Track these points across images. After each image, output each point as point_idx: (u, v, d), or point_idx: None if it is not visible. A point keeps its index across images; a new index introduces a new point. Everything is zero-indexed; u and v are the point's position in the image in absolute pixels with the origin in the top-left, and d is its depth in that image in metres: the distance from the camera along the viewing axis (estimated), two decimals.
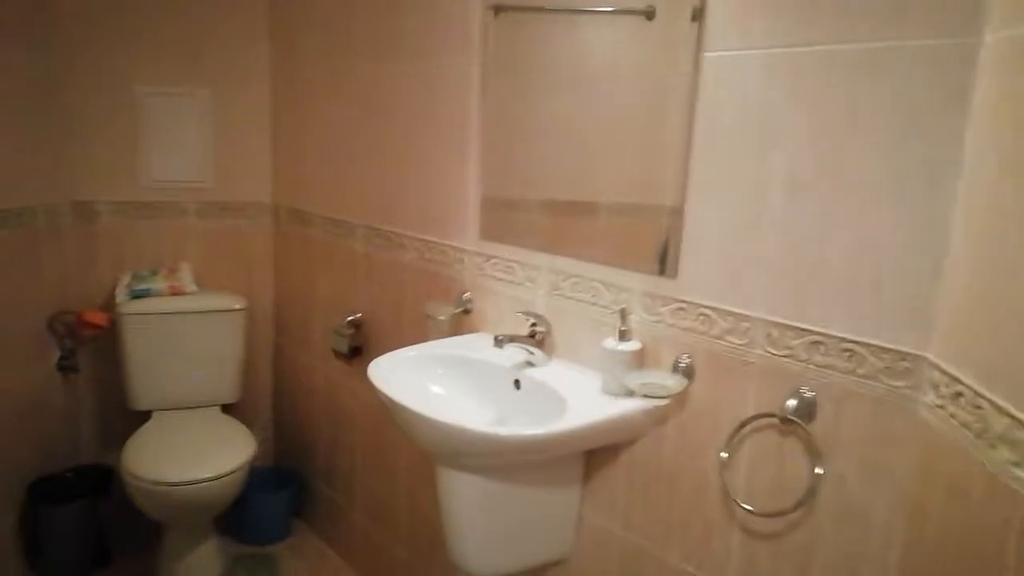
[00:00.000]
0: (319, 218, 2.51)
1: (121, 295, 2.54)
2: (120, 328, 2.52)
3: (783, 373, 1.20)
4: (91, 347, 2.64)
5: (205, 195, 2.72)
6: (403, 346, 1.74)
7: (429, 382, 1.63)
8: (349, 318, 2.32)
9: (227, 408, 2.69)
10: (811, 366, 1.17)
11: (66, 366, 2.56)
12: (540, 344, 1.58)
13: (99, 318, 2.52)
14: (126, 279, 2.59)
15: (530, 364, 1.57)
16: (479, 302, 1.83)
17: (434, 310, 1.84)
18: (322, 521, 2.70)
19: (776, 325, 1.21)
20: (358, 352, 2.30)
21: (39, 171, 2.40)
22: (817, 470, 1.16)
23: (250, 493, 2.53)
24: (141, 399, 2.58)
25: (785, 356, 1.20)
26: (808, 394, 1.17)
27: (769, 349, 1.22)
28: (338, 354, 2.34)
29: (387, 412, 1.47)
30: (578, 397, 1.40)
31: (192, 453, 2.31)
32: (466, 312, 1.85)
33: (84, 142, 2.53)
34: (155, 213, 2.67)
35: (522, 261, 1.69)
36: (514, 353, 1.59)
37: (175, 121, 2.65)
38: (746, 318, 1.25)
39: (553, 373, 1.53)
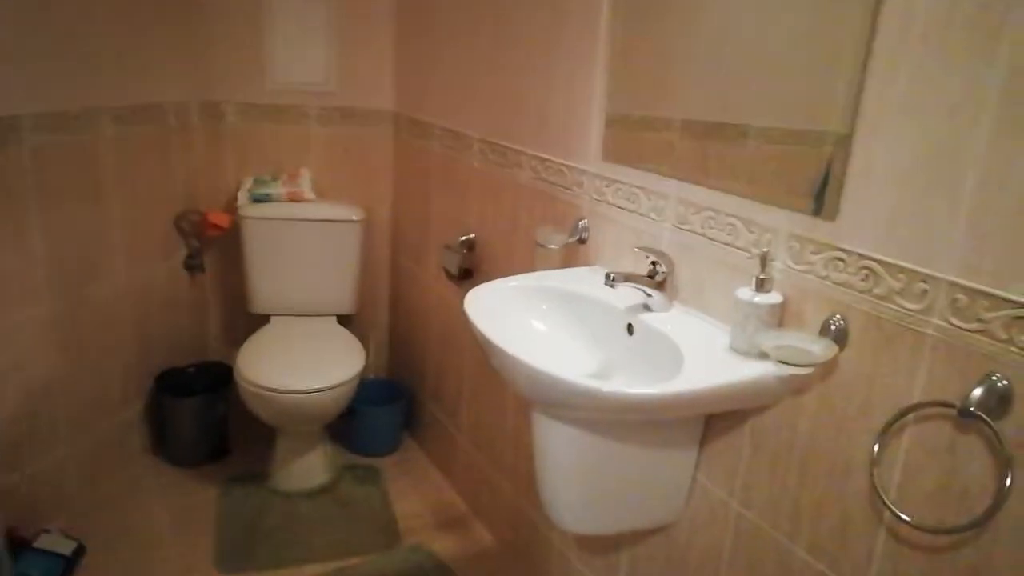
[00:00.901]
0: (437, 129, 2.36)
1: (242, 198, 2.53)
2: (241, 231, 2.52)
3: (969, 353, 0.94)
4: (216, 248, 2.68)
5: (327, 100, 2.63)
6: (514, 272, 1.58)
7: (532, 318, 1.46)
8: (462, 238, 2.19)
9: (343, 319, 2.67)
10: (1011, 348, 0.89)
11: (192, 265, 2.61)
12: (660, 286, 1.36)
13: (222, 219, 2.53)
14: (248, 183, 2.57)
15: (647, 308, 1.37)
16: (596, 232, 1.62)
17: (545, 237, 1.65)
18: (430, 439, 2.67)
19: (966, 290, 0.93)
20: (469, 275, 2.17)
21: (170, 68, 2.39)
22: (1006, 481, 0.90)
23: (361, 405, 2.53)
24: (260, 303, 2.59)
25: (975, 331, 0.93)
26: (1002, 383, 0.90)
27: (953, 320, 0.95)
28: (449, 274, 2.22)
29: (483, 348, 1.32)
30: (699, 352, 1.19)
31: (303, 362, 2.30)
32: (581, 242, 1.65)
33: (214, 40, 2.49)
34: (278, 116, 2.61)
35: (648, 188, 1.46)
36: (629, 294, 1.39)
37: (301, 20, 2.54)
38: (925, 277, 0.98)
39: (672, 321, 1.32)
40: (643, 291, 1.36)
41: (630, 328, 1.36)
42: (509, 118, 1.94)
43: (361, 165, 2.72)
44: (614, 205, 1.56)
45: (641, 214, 1.48)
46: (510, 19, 1.89)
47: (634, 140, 1.51)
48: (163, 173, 2.42)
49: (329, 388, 2.20)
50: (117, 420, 2.36)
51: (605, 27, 1.54)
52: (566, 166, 1.71)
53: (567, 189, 1.72)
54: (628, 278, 1.33)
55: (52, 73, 1.94)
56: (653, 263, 1.37)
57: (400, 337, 2.88)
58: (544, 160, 1.79)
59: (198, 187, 2.57)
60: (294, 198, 2.55)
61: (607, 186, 1.58)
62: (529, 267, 1.68)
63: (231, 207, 2.55)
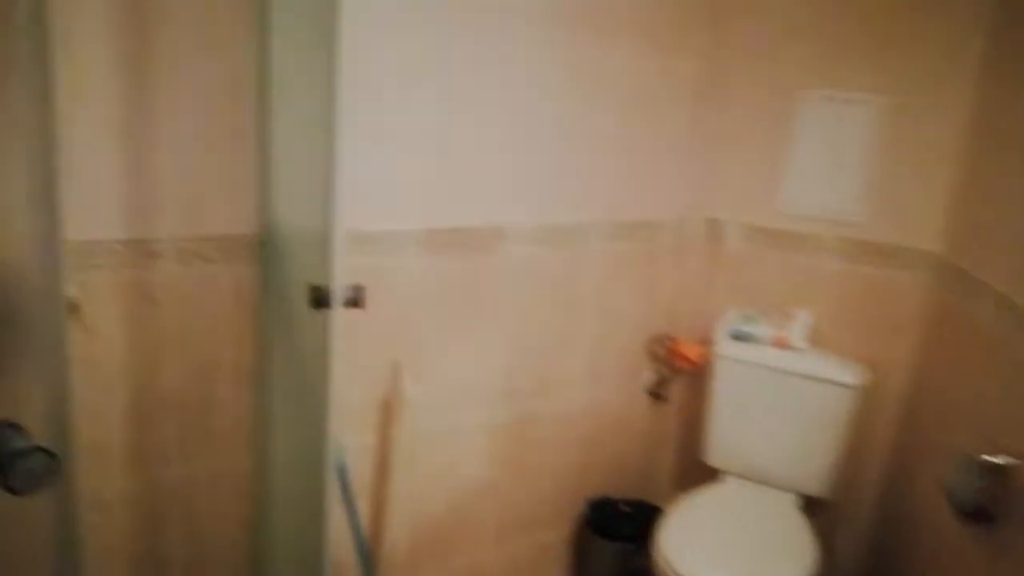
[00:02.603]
0: (992, 293, 1.67)
1: (721, 332, 2.22)
2: (711, 369, 2.21)
3: None
4: (687, 379, 2.42)
5: (851, 231, 2.14)
6: None
7: None
8: (985, 456, 1.47)
9: (810, 502, 2.13)
10: None
11: (656, 393, 2.41)
12: None
13: (693, 352, 2.27)
14: (732, 315, 2.25)
15: None
16: None
17: None
18: None
19: None
20: (986, 516, 1.45)
21: (673, 185, 2.25)
22: None
23: None
24: (715, 455, 2.24)
25: None
26: None
27: None
28: (952, 500, 1.52)
29: None
30: None
31: (731, 554, 1.86)
32: None
33: (725, 158, 2.26)
34: (785, 244, 2.23)
35: None
36: None
37: (834, 135, 2.13)
38: None
39: None
40: None
41: None
42: None
43: (878, 316, 2.14)
44: None
45: None
46: None
47: None
48: (644, 292, 2.27)
49: None
50: (540, 539, 2.28)
51: None
52: None
53: None
54: None
55: (541, 187, 1.96)
56: None
57: (885, 546, 2.16)
58: None
59: (679, 311, 2.36)
60: (779, 343, 2.14)
61: None
62: None
63: (708, 340, 2.27)
